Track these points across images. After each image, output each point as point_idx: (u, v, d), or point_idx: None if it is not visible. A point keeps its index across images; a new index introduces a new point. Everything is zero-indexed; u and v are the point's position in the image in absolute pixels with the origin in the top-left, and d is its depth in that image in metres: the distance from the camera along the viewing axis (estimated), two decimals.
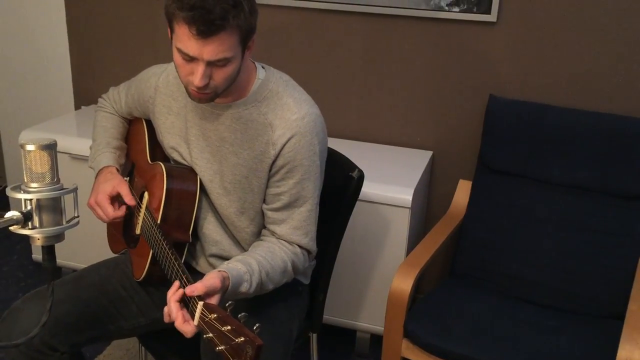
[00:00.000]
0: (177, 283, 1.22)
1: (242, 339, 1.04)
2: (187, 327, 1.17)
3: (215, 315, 1.11)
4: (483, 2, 2.17)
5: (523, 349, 1.74)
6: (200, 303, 1.15)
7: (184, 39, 1.29)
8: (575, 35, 2.13)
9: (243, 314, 1.10)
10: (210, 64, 1.31)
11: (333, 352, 2.32)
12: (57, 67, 2.82)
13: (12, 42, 2.85)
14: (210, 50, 1.28)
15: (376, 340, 2.24)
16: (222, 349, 1.07)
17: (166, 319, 1.21)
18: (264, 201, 1.49)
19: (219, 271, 1.26)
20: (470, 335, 1.79)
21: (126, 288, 1.57)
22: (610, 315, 1.94)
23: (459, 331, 1.80)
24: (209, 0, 1.24)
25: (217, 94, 1.38)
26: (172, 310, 1.19)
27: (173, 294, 1.20)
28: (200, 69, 1.31)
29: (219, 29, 1.26)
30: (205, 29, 1.25)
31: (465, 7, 2.19)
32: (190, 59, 1.31)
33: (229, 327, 1.07)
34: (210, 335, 1.10)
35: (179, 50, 1.31)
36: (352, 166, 1.63)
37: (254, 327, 1.07)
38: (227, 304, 1.14)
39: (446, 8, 2.21)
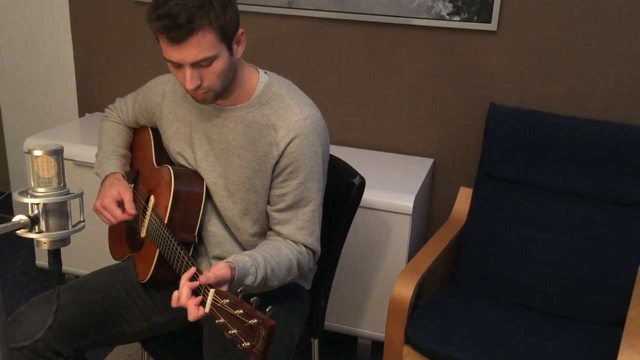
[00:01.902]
0: (192, 270, 1.24)
1: (255, 321, 1.05)
2: (197, 311, 1.19)
3: (227, 301, 1.12)
4: (483, 11, 2.19)
5: (523, 355, 1.75)
6: (212, 290, 1.17)
7: (165, 48, 1.35)
8: (574, 44, 2.15)
9: (255, 297, 1.11)
10: (195, 66, 1.34)
11: (334, 358, 2.33)
12: (61, 75, 2.84)
13: (16, 50, 2.87)
14: (189, 53, 1.32)
15: (377, 346, 2.24)
16: (234, 332, 1.08)
17: (174, 303, 1.22)
18: (269, 202, 1.51)
19: (227, 262, 1.29)
20: (471, 341, 1.79)
21: (129, 293, 1.58)
22: (610, 322, 1.94)
23: (459, 337, 1.81)
24: (174, 7, 1.28)
25: (217, 93, 1.42)
26: (183, 295, 1.20)
27: (187, 280, 1.22)
28: (187, 73, 1.35)
29: (190, 32, 1.30)
30: (176, 35, 1.30)
31: (465, 16, 2.21)
32: (177, 65, 1.36)
33: (241, 311, 1.08)
34: (222, 320, 1.11)
35: (166, 59, 1.37)
36: (353, 173, 1.64)
37: (267, 310, 1.08)
38: (238, 290, 1.15)
39: (447, 17, 2.23)
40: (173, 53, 1.33)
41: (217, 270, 1.23)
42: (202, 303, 1.19)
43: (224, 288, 1.24)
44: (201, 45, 1.31)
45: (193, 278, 1.23)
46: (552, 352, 1.77)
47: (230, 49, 1.38)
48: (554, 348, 1.79)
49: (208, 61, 1.34)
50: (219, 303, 1.14)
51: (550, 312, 2.00)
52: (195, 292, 1.22)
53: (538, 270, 2.05)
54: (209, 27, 1.31)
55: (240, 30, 1.40)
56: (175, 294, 1.23)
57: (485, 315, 1.94)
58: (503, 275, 2.08)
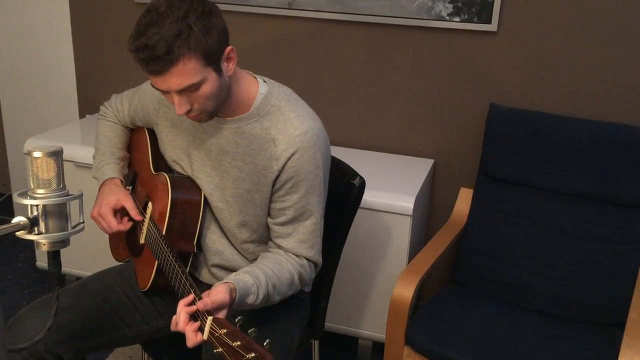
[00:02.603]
0: (191, 296, 1.22)
1: (253, 355, 1.04)
2: (195, 337, 1.18)
3: (225, 331, 1.11)
4: (483, 11, 2.19)
5: (524, 357, 1.75)
6: (210, 318, 1.15)
7: (149, 77, 1.32)
8: (575, 44, 2.15)
9: (253, 329, 1.10)
10: (182, 92, 1.31)
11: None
12: (61, 76, 2.84)
13: (17, 51, 2.87)
14: (173, 82, 1.29)
15: (378, 347, 2.24)
16: None
17: (173, 328, 1.22)
18: (269, 215, 1.49)
19: (226, 283, 1.26)
20: (471, 342, 1.79)
21: (130, 296, 1.58)
22: (611, 323, 1.94)
23: (460, 338, 1.81)
24: (152, 38, 1.24)
25: (212, 112, 1.39)
26: (181, 321, 1.19)
27: (185, 306, 1.21)
28: (175, 99, 1.33)
29: (169, 63, 1.26)
30: (155, 68, 1.27)
31: (465, 16, 2.21)
32: (165, 91, 1.34)
33: (239, 343, 1.07)
34: (220, 350, 1.10)
35: (152, 86, 1.35)
36: (353, 174, 1.64)
37: (265, 343, 1.07)
38: (236, 319, 1.14)
39: (447, 18, 2.23)
40: (157, 82, 1.31)
41: (215, 295, 1.20)
42: (201, 328, 1.18)
43: (223, 313, 1.21)
44: (184, 73, 1.28)
45: (191, 302, 1.21)
46: (553, 353, 1.77)
47: (218, 70, 1.33)
48: (555, 349, 1.79)
49: (195, 87, 1.31)
50: (217, 333, 1.12)
51: (551, 314, 2.00)
52: (193, 317, 1.20)
53: (538, 272, 2.04)
54: (190, 55, 1.26)
55: (229, 48, 1.35)
56: (174, 318, 1.22)
57: (485, 317, 1.94)
58: (503, 276, 2.08)
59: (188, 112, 1.35)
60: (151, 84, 1.35)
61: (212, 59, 1.31)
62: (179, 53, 1.25)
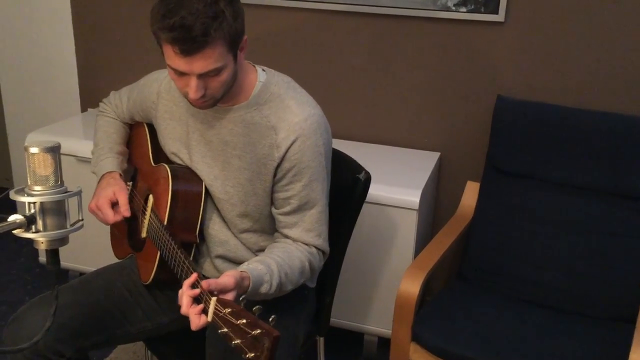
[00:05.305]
0: (194, 276, 1.20)
1: (258, 331, 1.04)
2: (199, 320, 1.16)
3: (229, 310, 1.10)
4: (490, 2, 2.15)
5: (531, 352, 1.73)
6: (214, 299, 1.15)
7: (172, 57, 1.30)
8: (583, 35, 2.11)
9: (258, 306, 1.10)
10: (202, 76, 1.31)
11: (340, 356, 2.31)
12: (63, 70, 2.83)
13: (18, 45, 2.85)
14: (198, 65, 1.28)
15: (384, 343, 2.22)
16: (238, 342, 1.06)
17: (181, 303, 1.19)
18: (274, 205, 1.48)
19: (239, 271, 1.25)
20: (478, 338, 1.77)
21: (132, 292, 1.57)
22: (621, 318, 1.92)
23: (466, 334, 1.79)
24: (188, 17, 1.23)
25: (217, 100, 1.39)
26: (184, 304, 1.17)
27: (188, 288, 1.18)
28: (192, 82, 1.31)
29: (203, 45, 1.26)
30: (189, 48, 1.26)
31: (472, 7, 2.18)
32: (182, 74, 1.32)
33: (244, 321, 1.06)
34: (225, 330, 1.09)
35: (170, 67, 1.33)
36: (359, 168, 1.62)
37: (270, 319, 1.07)
38: (240, 298, 1.14)
39: (453, 8, 2.20)
40: (181, 64, 1.29)
41: (220, 278, 1.19)
42: (205, 311, 1.16)
43: (228, 296, 1.20)
44: (212, 57, 1.28)
45: (194, 285, 1.19)
46: (561, 349, 1.75)
47: (235, 58, 1.34)
48: (563, 345, 1.77)
49: (216, 72, 1.31)
50: (221, 312, 1.11)
51: (560, 309, 1.98)
52: (197, 300, 1.19)
53: (546, 266, 2.02)
54: (221, 39, 1.27)
55: (245, 37, 1.36)
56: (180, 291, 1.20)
57: (493, 312, 1.92)
58: (511, 271, 2.06)
59: (199, 98, 1.35)
60: (168, 65, 1.32)
61: (234, 46, 1.32)
62: (215, 36, 1.26)
